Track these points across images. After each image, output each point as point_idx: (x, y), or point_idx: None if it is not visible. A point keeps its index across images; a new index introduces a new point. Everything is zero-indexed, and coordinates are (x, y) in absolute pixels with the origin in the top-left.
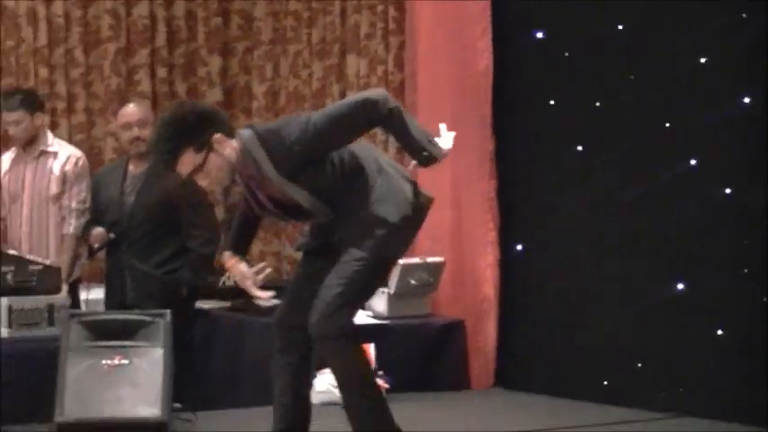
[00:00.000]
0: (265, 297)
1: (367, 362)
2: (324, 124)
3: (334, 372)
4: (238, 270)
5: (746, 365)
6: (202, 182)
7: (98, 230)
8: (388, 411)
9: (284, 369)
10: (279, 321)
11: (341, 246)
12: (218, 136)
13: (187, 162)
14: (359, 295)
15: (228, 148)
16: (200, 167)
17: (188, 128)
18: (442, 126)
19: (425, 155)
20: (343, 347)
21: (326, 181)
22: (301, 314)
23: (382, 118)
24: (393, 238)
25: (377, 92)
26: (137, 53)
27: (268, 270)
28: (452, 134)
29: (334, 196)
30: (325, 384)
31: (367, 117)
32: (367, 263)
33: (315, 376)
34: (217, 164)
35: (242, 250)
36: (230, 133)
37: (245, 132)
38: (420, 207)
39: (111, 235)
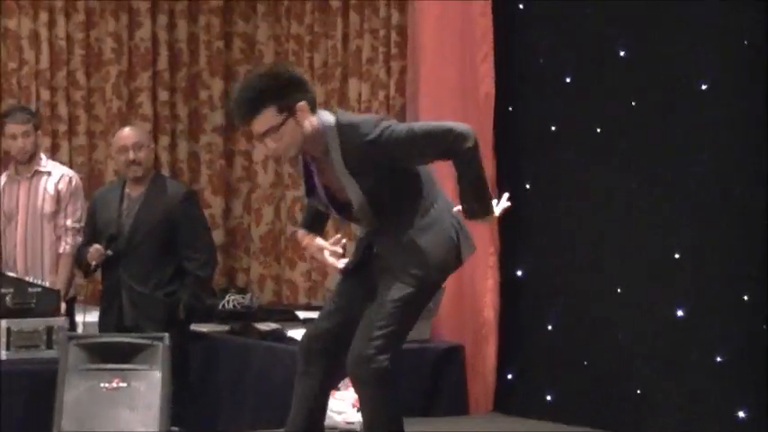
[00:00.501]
0: (340, 266)
1: (397, 407)
2: (403, 135)
3: (364, 412)
4: (314, 242)
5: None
6: (270, 145)
7: (95, 247)
8: None
9: (304, 392)
10: (305, 345)
11: (381, 271)
12: (302, 104)
13: (265, 120)
14: (399, 338)
15: (308, 120)
16: (274, 129)
17: (280, 86)
18: (505, 195)
19: (478, 207)
20: (376, 394)
21: (383, 189)
22: (329, 341)
23: (461, 152)
24: (434, 278)
25: (465, 126)
26: (138, 76)
27: (344, 241)
28: (504, 204)
29: (384, 207)
30: None
31: (449, 145)
32: (406, 303)
33: None
34: (292, 131)
35: (315, 230)
36: (313, 108)
37: (328, 115)
38: (458, 257)
39: (109, 252)
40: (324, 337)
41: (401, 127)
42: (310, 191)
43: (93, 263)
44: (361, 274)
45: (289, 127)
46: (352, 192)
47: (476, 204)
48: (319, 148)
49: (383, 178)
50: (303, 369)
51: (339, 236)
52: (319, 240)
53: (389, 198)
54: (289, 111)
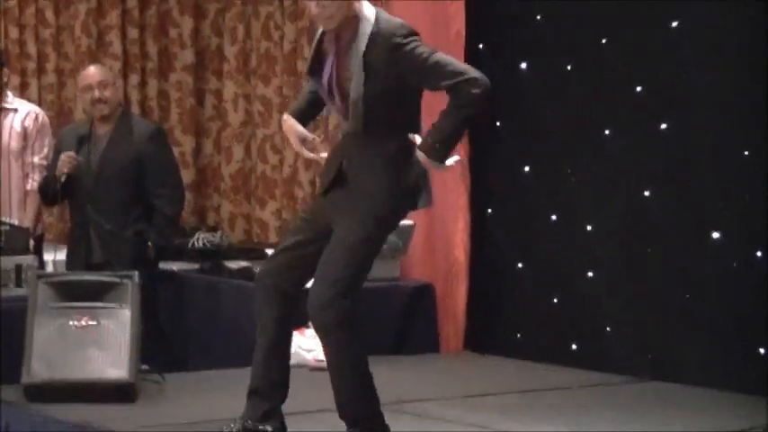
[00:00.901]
0: (311, 156)
1: (361, 349)
2: (425, 54)
3: (327, 355)
4: (297, 129)
5: (719, 330)
6: (316, 8)
7: (66, 153)
8: (375, 394)
9: (266, 326)
10: (262, 279)
11: (341, 203)
12: None
13: None
14: (358, 278)
15: (357, 2)
16: None
17: None
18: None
19: (440, 148)
20: (340, 338)
21: (383, 100)
22: (285, 275)
23: (464, 94)
24: (389, 219)
25: (483, 76)
26: (108, 14)
27: (319, 141)
28: (456, 158)
29: (375, 115)
30: (294, 346)
31: (459, 82)
32: (363, 242)
33: None
34: (341, 2)
35: (300, 119)
36: None
37: (369, 7)
38: (414, 205)
39: (80, 157)
40: (276, 272)
41: (427, 48)
42: (315, 70)
43: (65, 170)
44: (323, 207)
45: None
46: (356, 83)
47: (438, 145)
48: (349, 33)
49: (389, 91)
50: (259, 305)
51: (315, 136)
52: (303, 129)
53: (384, 111)
54: None
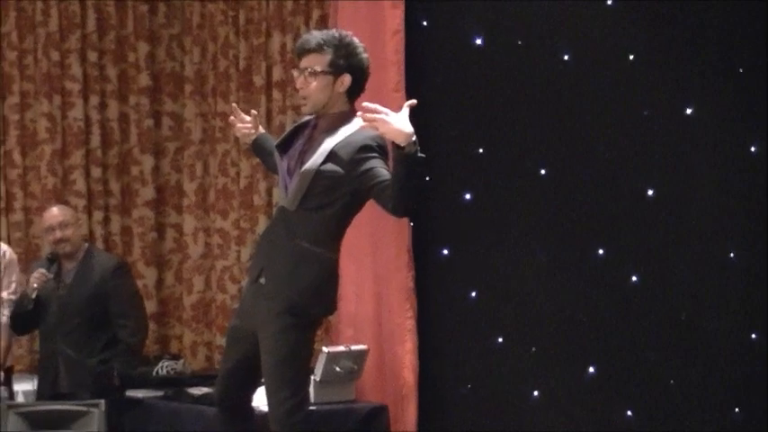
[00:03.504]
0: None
1: None
2: (379, 165)
3: None
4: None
5: None
6: (302, 82)
7: (38, 270)
8: None
9: None
10: (218, 404)
11: (263, 312)
12: (348, 78)
13: (316, 60)
14: (303, 382)
15: (341, 94)
16: (316, 73)
17: (347, 52)
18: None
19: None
20: None
21: (327, 200)
22: (233, 394)
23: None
24: (312, 311)
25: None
26: (72, 154)
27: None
28: (411, 103)
29: (311, 208)
30: None
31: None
32: (294, 352)
33: None
34: (324, 87)
35: (258, 141)
36: (351, 98)
37: (359, 123)
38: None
39: (50, 274)
40: (228, 393)
41: (382, 165)
42: (283, 146)
43: (35, 285)
44: (246, 318)
45: (325, 81)
46: (314, 161)
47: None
48: (328, 124)
49: (335, 189)
50: (226, 426)
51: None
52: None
53: (320, 202)
54: (336, 70)
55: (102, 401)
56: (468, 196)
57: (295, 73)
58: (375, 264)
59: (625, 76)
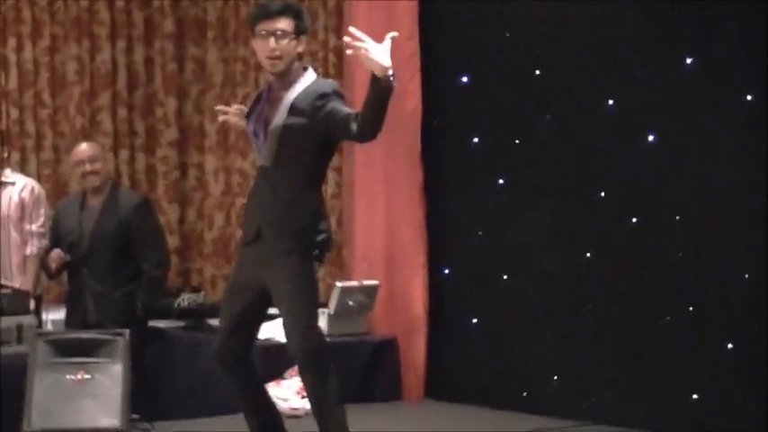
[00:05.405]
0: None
1: (337, 383)
2: (339, 106)
3: (311, 383)
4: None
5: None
6: (273, 44)
7: (56, 251)
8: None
9: (238, 395)
10: (218, 357)
11: (265, 259)
12: (304, 40)
13: (286, 24)
14: (314, 311)
15: (300, 53)
16: (287, 34)
17: (305, 17)
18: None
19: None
20: (322, 363)
21: (297, 149)
22: (234, 346)
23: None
24: (311, 265)
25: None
26: (99, 96)
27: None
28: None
29: (285, 158)
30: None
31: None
32: (300, 288)
33: None
34: (293, 47)
35: None
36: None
37: (314, 75)
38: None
39: (68, 257)
40: (225, 349)
41: (341, 104)
42: (251, 114)
43: (54, 265)
44: (248, 267)
45: (293, 43)
46: (278, 119)
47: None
48: (287, 81)
49: (304, 136)
50: (224, 379)
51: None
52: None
53: (294, 152)
54: (298, 33)
55: (127, 331)
56: (475, 140)
57: (262, 33)
58: (388, 201)
59: (626, 28)
